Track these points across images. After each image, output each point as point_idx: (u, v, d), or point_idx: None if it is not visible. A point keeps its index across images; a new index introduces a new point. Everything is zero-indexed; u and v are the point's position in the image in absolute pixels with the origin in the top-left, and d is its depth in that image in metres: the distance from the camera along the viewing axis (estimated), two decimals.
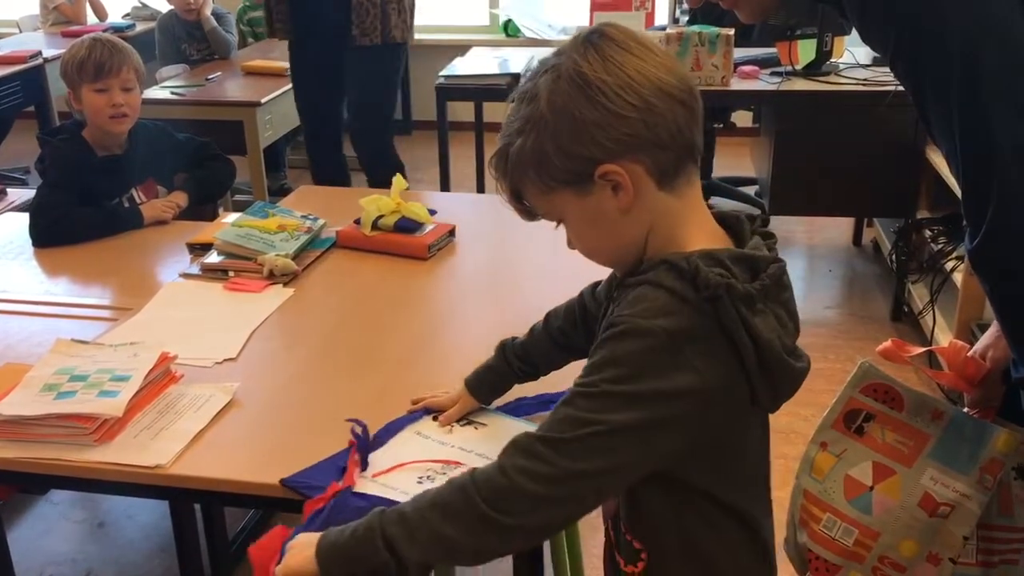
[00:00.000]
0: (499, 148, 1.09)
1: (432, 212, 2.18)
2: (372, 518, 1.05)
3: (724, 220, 1.12)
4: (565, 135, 1.01)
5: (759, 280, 1.03)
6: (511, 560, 1.36)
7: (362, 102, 3.64)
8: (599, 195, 1.03)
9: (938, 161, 3.31)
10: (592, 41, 1.02)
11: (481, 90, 3.78)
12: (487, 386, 1.42)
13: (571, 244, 1.13)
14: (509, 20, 5.77)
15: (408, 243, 2.08)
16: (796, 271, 4.13)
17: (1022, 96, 1.05)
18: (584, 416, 0.99)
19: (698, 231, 1.07)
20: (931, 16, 1.06)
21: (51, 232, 2.25)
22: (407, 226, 2.11)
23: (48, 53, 4.77)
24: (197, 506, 2.25)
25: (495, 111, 4.90)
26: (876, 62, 3.65)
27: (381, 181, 3.62)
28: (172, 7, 4.60)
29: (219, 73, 4.20)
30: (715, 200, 4.31)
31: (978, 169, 1.07)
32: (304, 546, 1.08)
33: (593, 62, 1.01)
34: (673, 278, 1.00)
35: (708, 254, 1.02)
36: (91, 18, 5.73)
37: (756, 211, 1.15)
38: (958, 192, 2.91)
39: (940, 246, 3.31)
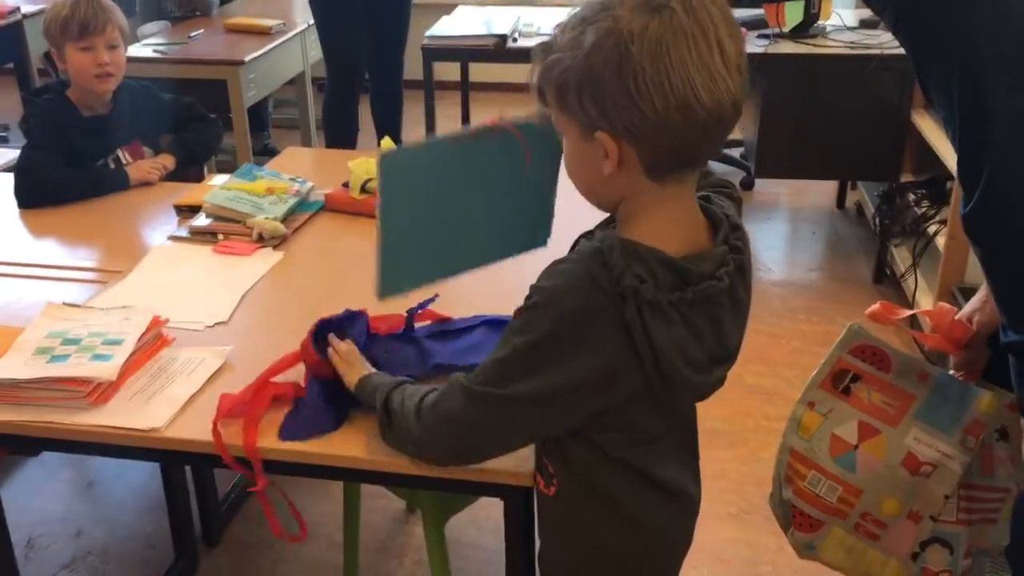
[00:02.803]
0: (547, 42, 1.08)
1: None
2: (382, 391, 1.29)
3: (711, 215, 1.14)
4: (586, 88, 1.02)
5: (682, 291, 1.05)
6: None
7: (386, 36, 3.90)
8: (594, 148, 1.05)
9: (923, 125, 3.32)
10: (662, 12, 0.98)
11: (467, 51, 3.75)
12: None
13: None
14: None
15: None
16: (780, 234, 4.15)
17: (1020, 65, 1.06)
18: (493, 375, 1.11)
19: (665, 216, 1.09)
20: None
21: (36, 193, 2.23)
22: None
23: (26, 9, 4.69)
24: (188, 467, 2.27)
25: (481, 71, 4.88)
26: (863, 24, 3.65)
27: (389, 121, 3.79)
28: None
29: (201, 31, 4.14)
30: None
31: (974, 135, 1.09)
32: (353, 365, 1.38)
33: (647, 41, 0.97)
34: (597, 265, 1.05)
35: (638, 252, 1.05)
36: None
37: (738, 222, 1.16)
38: (944, 157, 2.92)
39: (923, 209, 3.33)
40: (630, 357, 1.05)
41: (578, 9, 1.05)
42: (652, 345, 1.04)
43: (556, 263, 1.10)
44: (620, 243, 1.05)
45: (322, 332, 1.46)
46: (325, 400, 1.41)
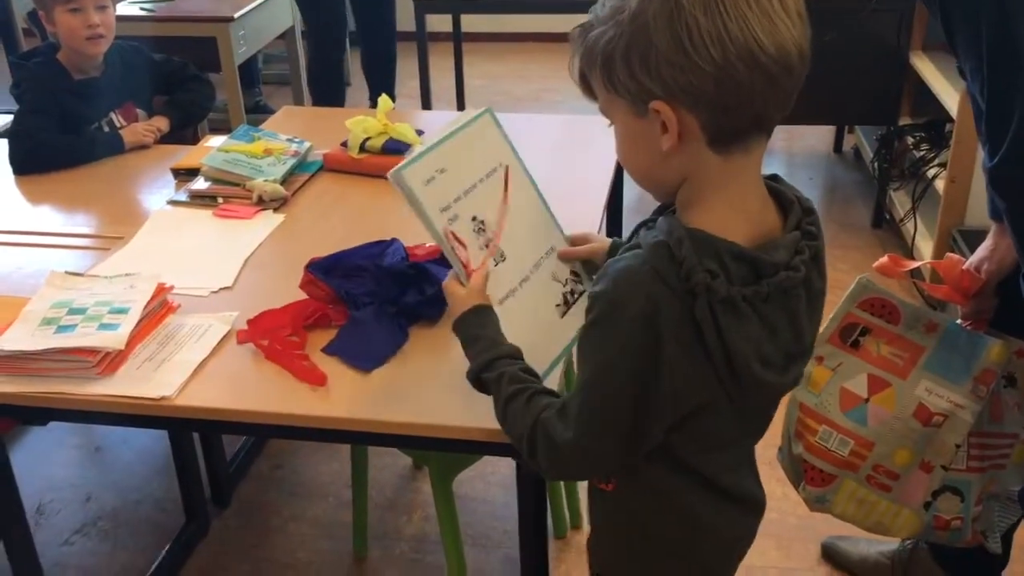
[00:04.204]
0: (584, 24, 1.01)
1: (419, 132, 2.15)
2: (493, 357, 1.15)
3: (779, 197, 1.06)
4: (636, 54, 0.94)
5: (756, 285, 0.98)
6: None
7: None
8: (649, 124, 0.97)
9: (922, 67, 3.29)
10: None
11: (459, 1, 3.70)
12: None
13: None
14: None
15: (397, 165, 2.06)
16: None
17: None
18: (585, 402, 1.04)
19: (731, 201, 1.00)
20: None
21: (31, 160, 2.21)
22: (395, 147, 2.08)
23: None
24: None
25: (473, 22, 4.82)
26: None
27: (383, 83, 3.70)
28: None
29: None
30: None
31: (1004, 87, 1.07)
32: (464, 300, 1.20)
33: None
34: (663, 259, 0.97)
35: (710, 243, 0.97)
36: None
37: (811, 205, 1.07)
38: (943, 99, 2.89)
39: (922, 153, 3.32)
40: (702, 357, 0.98)
41: None
42: (725, 344, 0.97)
43: (615, 261, 1.02)
44: (688, 234, 0.97)
45: (317, 271, 1.51)
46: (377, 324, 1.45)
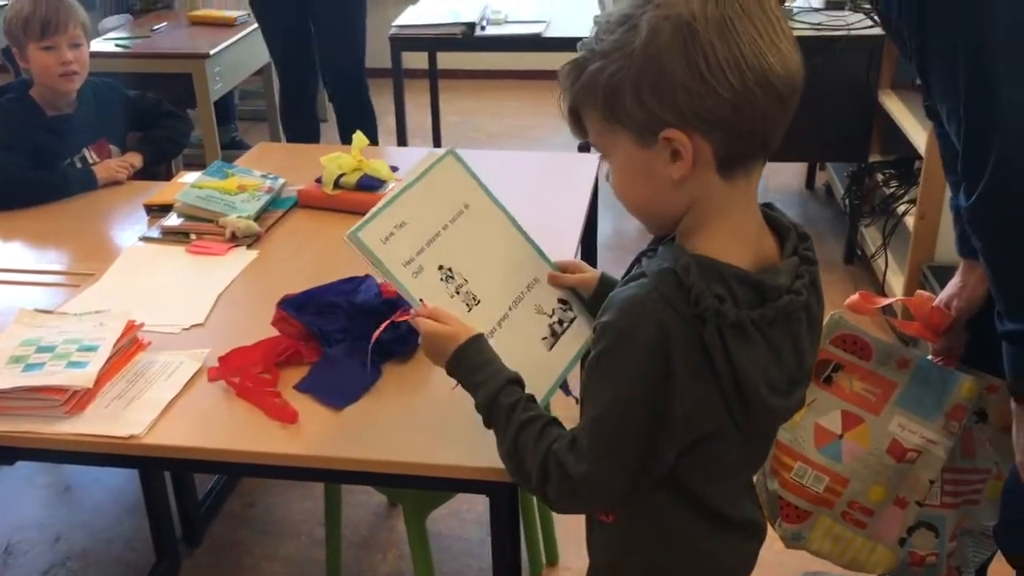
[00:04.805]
0: (576, 60, 1.01)
1: (394, 169, 2.16)
2: (492, 388, 1.12)
3: (775, 224, 1.08)
4: (647, 83, 0.94)
5: (761, 308, 0.99)
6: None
7: (339, 35, 3.59)
8: (656, 154, 0.98)
9: (891, 105, 3.34)
10: None
11: (436, 40, 3.72)
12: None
13: (610, 180, 1.07)
14: None
15: (371, 201, 1.99)
16: None
17: None
18: (596, 435, 1.03)
19: (731, 229, 1.02)
20: None
21: (2, 196, 2.19)
22: (369, 184, 2.09)
23: None
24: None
25: (449, 59, 4.85)
26: (830, 5, 3.66)
27: (354, 126, 3.61)
28: None
29: (165, 24, 4.08)
30: None
31: (981, 125, 1.08)
32: (450, 339, 1.16)
33: (710, 18, 0.92)
34: (671, 286, 0.98)
35: (714, 268, 0.98)
36: None
37: (805, 231, 1.09)
38: (911, 137, 2.92)
39: (892, 189, 3.36)
40: (711, 382, 0.99)
41: (609, 12, 1.00)
42: (734, 368, 0.97)
43: (620, 291, 1.02)
44: (695, 260, 0.98)
45: (289, 308, 1.51)
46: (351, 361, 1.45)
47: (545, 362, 1.29)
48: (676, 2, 0.94)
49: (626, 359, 0.99)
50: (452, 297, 1.23)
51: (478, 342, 1.17)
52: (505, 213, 1.35)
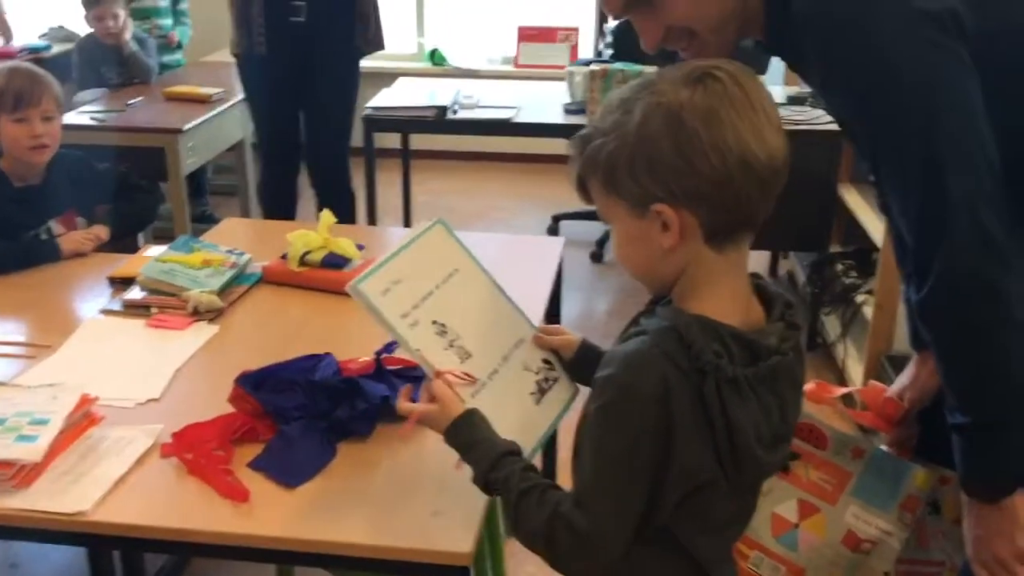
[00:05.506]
0: (582, 135, 1.11)
1: (360, 247, 2.17)
2: (494, 460, 1.15)
3: (763, 291, 1.15)
4: (640, 161, 1.04)
5: (754, 367, 1.06)
6: None
7: (331, 123, 3.64)
8: (650, 224, 1.06)
9: (849, 198, 3.43)
10: (704, 81, 1.03)
11: (408, 122, 3.78)
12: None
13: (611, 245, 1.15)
14: (435, 49, 5.79)
15: (335, 279, 2.06)
16: None
17: (976, 155, 1.10)
18: (600, 488, 1.07)
19: (723, 293, 1.09)
20: (889, 81, 1.11)
21: None
22: (334, 262, 2.09)
23: None
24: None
25: (421, 140, 4.92)
26: (791, 100, 3.77)
27: (333, 204, 3.57)
28: (91, 30, 4.50)
29: (140, 98, 4.11)
30: None
31: (929, 224, 1.12)
32: (445, 412, 1.19)
33: (697, 107, 1.02)
34: (673, 342, 1.04)
35: (712, 327, 1.05)
36: None
37: (792, 299, 1.16)
38: (868, 229, 2.97)
39: (851, 279, 3.42)
40: (706, 434, 1.04)
41: (613, 95, 1.09)
42: (729, 422, 1.03)
43: (620, 348, 1.09)
44: (695, 319, 1.06)
45: (246, 384, 1.51)
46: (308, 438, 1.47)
47: (534, 416, 1.33)
48: (667, 90, 1.04)
49: (630, 412, 1.04)
50: (446, 349, 1.27)
51: (468, 419, 1.19)
52: (490, 279, 1.40)
